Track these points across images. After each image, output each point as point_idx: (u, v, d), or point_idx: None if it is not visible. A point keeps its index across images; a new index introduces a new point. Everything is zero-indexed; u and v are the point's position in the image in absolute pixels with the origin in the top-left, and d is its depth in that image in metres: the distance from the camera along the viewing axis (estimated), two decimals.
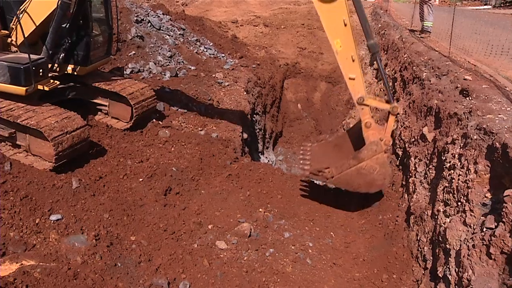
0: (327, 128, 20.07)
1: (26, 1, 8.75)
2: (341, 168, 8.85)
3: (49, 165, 8.11)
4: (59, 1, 8.44)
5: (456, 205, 6.33)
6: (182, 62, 16.19)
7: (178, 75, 14.90)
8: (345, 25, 7.96)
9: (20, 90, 8.24)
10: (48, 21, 8.80)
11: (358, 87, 8.48)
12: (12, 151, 8.45)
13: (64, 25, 9.29)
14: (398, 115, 8.93)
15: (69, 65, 9.78)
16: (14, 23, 8.92)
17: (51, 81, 8.87)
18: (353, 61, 8.25)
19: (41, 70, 8.53)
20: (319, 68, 24.51)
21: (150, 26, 17.46)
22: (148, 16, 18.26)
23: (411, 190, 8.51)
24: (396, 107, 8.48)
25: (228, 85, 15.48)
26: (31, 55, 8.35)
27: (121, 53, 14.00)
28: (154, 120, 11.24)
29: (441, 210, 6.72)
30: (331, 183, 9.20)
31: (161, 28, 17.94)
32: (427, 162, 8.25)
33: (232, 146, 11.68)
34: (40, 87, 8.52)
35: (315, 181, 10.36)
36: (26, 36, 8.52)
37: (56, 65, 9.58)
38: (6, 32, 9.07)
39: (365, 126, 8.70)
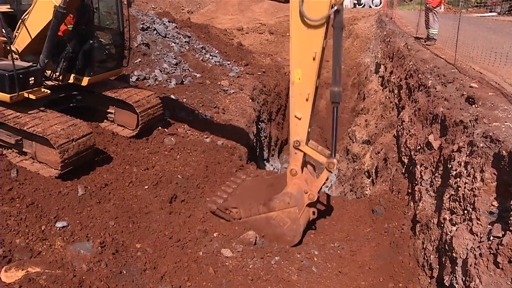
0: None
1: (27, 11, 8.81)
2: (249, 211, 8.39)
3: (55, 172, 8.14)
4: (54, 10, 8.41)
5: (462, 213, 6.30)
6: (188, 69, 16.25)
7: (184, 82, 14.96)
8: (314, 59, 7.21)
9: (5, 97, 8.23)
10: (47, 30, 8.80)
11: (301, 129, 7.71)
12: (18, 158, 8.49)
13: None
14: (331, 172, 8.06)
15: (73, 75, 9.77)
16: (16, 31, 8.97)
17: (43, 90, 8.81)
18: (307, 100, 7.47)
19: (32, 78, 8.50)
20: (325, 76, 24.27)
21: (156, 33, 17.54)
22: (154, 23, 18.34)
23: (417, 198, 8.47)
24: (333, 163, 7.72)
25: (233, 92, 15.51)
26: (25, 63, 8.40)
27: (127, 60, 14.06)
28: (159, 127, 11.26)
29: (448, 218, 6.69)
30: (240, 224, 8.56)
31: (167, 36, 18.01)
32: (433, 170, 8.22)
33: (237, 153, 11.69)
34: (26, 95, 8.44)
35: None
36: (12, 43, 8.69)
37: (57, 73, 9.57)
38: (4, 39, 9.07)
39: (290, 173, 8.04)
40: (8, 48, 8.76)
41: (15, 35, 9.02)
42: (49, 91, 8.93)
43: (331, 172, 8.08)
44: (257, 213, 8.30)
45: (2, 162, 8.10)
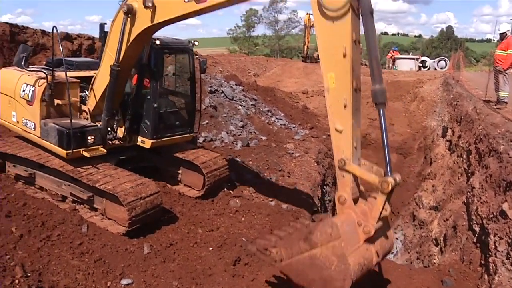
0: (397, 201, 19.52)
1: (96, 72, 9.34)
2: (291, 250, 6.37)
3: (122, 229, 8.36)
4: (110, 69, 8.69)
5: None
6: (254, 132, 16.53)
7: (250, 145, 15.20)
8: (344, 55, 5.97)
9: (62, 152, 8.69)
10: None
11: (344, 144, 6.22)
12: (89, 214, 8.85)
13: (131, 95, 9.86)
14: (389, 195, 5.79)
15: (138, 136, 9.94)
16: (89, 93, 9.51)
17: (100, 149, 9.12)
18: (345, 107, 6.12)
19: (91, 137, 8.91)
20: (390, 140, 24.17)
21: (223, 96, 18.10)
22: (222, 86, 18.96)
23: (491, 270, 8.01)
24: (387, 182, 5.67)
25: (298, 155, 15.55)
26: (85, 121, 9.07)
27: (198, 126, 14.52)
28: (225, 189, 11.37)
29: None
30: (282, 270, 6.77)
31: (234, 98, 18.53)
32: (509, 241, 7.80)
33: (302, 217, 11.56)
34: (82, 152, 8.82)
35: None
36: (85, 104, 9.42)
37: (122, 133, 9.79)
38: (77, 100, 9.54)
39: (338, 201, 6.34)
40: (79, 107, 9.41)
41: (88, 96, 9.56)
42: (105, 151, 9.22)
43: (386, 195, 5.78)
44: (299, 251, 6.29)
45: (74, 217, 8.51)
